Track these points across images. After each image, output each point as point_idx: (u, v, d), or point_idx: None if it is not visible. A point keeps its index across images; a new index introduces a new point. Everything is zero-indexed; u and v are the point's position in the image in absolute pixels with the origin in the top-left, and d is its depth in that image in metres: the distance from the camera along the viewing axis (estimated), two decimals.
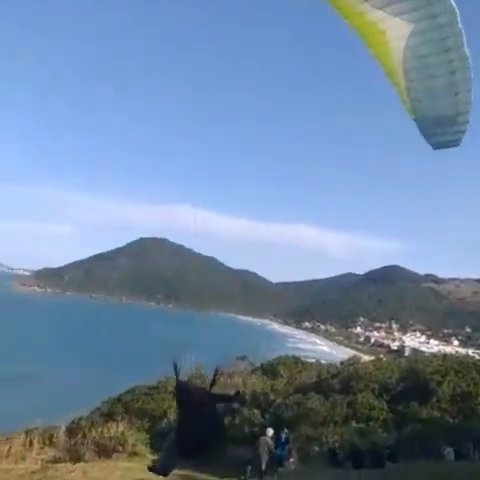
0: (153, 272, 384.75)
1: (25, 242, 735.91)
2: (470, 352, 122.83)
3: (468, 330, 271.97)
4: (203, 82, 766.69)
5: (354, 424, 28.24)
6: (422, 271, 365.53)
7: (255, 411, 31.05)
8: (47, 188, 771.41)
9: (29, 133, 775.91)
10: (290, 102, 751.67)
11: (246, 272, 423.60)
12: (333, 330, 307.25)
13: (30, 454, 28.26)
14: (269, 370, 42.51)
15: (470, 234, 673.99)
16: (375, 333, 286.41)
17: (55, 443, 30.07)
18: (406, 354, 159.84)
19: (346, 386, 31.58)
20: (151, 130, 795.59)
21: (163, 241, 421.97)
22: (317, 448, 27.14)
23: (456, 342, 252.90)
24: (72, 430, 31.07)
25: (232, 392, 8.87)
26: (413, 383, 30.52)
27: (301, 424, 28.61)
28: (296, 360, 46.29)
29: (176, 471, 25.83)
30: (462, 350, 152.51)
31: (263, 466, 23.75)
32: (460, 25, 6.24)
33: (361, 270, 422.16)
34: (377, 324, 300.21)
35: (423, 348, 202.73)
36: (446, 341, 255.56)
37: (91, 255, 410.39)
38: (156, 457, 30.33)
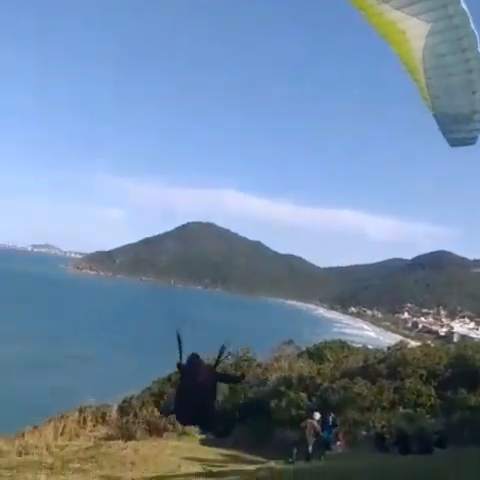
0: (200, 256, 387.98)
1: (77, 226, 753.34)
2: None
3: None
4: (248, 73, 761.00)
5: (401, 409, 28.17)
6: (471, 256, 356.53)
7: (302, 394, 31.27)
8: (97, 173, 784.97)
9: (75, 118, 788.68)
10: (326, 96, 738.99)
11: (292, 257, 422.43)
12: (380, 315, 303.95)
13: (84, 431, 29.30)
14: (315, 354, 42.64)
15: None
16: (423, 319, 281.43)
17: (107, 421, 31.06)
18: (454, 340, 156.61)
19: (393, 371, 31.41)
20: (195, 116, 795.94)
21: (210, 225, 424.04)
22: (364, 432, 27.26)
23: None
24: (124, 409, 32.01)
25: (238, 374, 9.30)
26: (462, 370, 30.08)
27: (347, 408, 28.69)
28: (342, 345, 46.25)
29: (224, 451, 26.33)
30: None
31: (310, 449, 24.05)
32: (472, 26, 6.51)
33: (408, 255, 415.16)
34: (425, 310, 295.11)
35: (472, 334, 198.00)
36: None
37: (141, 239, 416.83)
38: (205, 436, 31.13)
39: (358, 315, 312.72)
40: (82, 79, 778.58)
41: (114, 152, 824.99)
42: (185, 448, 27.46)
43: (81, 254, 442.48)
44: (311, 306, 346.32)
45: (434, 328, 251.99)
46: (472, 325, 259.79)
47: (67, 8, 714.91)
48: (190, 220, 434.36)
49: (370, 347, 49.67)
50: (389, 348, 38.85)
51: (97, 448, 25.79)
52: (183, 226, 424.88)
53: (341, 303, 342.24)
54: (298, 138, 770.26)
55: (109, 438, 28.53)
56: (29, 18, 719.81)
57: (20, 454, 24.14)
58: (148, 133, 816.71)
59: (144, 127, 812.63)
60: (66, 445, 26.61)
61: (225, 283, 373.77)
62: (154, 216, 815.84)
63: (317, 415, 24.94)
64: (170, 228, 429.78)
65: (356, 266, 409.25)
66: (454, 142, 7.54)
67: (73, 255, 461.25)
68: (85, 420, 30.16)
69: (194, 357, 9.36)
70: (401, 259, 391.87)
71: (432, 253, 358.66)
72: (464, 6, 6.49)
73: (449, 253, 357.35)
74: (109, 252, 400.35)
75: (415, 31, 6.75)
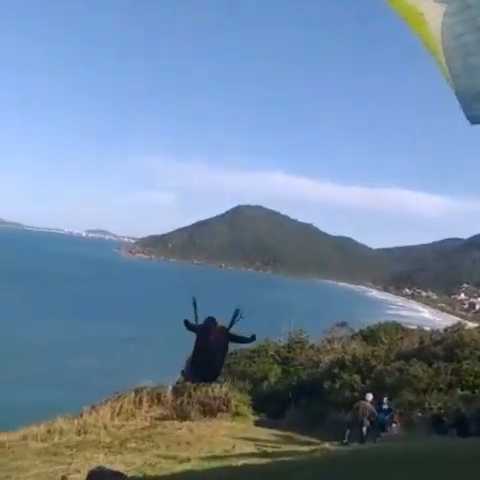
0: (251, 239, 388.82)
1: (130, 211, 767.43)
2: None
3: None
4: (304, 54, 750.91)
5: (459, 391, 27.61)
6: None
7: (356, 376, 31.04)
8: (148, 157, 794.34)
9: (135, 102, 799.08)
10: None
11: (344, 238, 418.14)
12: (435, 297, 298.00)
13: (140, 412, 29.83)
14: (369, 336, 42.13)
15: None
16: None
17: (163, 402, 31.53)
18: None
19: (450, 353, 30.75)
20: (245, 98, 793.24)
21: (260, 208, 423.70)
22: (420, 414, 26.84)
23: None
24: (178, 390, 32.40)
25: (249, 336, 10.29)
26: None
27: (403, 390, 28.32)
28: (397, 326, 45.52)
29: (277, 432, 26.43)
30: None
31: (364, 430, 23.84)
32: None
33: (465, 235, 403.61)
34: None
35: None
36: None
37: (192, 223, 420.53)
38: (258, 417, 31.32)
39: (412, 297, 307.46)
40: (128, 62, 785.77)
41: (167, 136, 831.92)
42: (239, 429, 27.71)
43: (134, 239, 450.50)
44: (363, 288, 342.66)
45: None
46: None
47: None
48: (240, 203, 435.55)
49: (426, 329, 48.68)
50: (446, 329, 38.05)
51: (153, 428, 26.33)
52: (233, 209, 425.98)
53: (394, 284, 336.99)
54: (345, 119, 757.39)
55: (164, 418, 29.02)
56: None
57: (79, 433, 24.87)
58: (200, 117, 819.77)
59: (197, 111, 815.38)
60: (123, 425, 27.25)
61: (276, 265, 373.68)
62: (205, 200, 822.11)
63: (370, 396, 24.70)
64: (221, 212, 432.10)
65: (410, 247, 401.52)
66: (474, 119, 7.65)
67: (126, 240, 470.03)
68: (141, 401, 30.67)
69: (209, 319, 10.01)
70: (457, 239, 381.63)
71: None
72: None
73: None
74: (162, 236, 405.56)
75: (432, 13, 6.98)
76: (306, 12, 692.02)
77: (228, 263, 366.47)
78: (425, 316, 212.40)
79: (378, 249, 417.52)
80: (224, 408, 29.94)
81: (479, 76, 7.16)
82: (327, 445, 22.61)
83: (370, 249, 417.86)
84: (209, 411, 29.58)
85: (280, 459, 17.52)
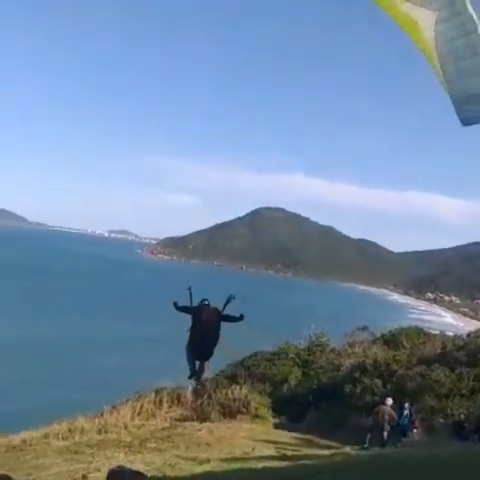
0: (271, 241, 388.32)
1: (152, 212, 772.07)
2: None
3: None
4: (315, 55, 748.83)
5: None
6: None
7: (377, 381, 30.83)
8: (170, 158, 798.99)
9: (155, 103, 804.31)
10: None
11: (365, 241, 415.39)
12: (458, 302, 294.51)
13: (160, 412, 29.96)
14: (391, 340, 41.76)
15: None
16: None
17: (182, 402, 31.64)
18: None
19: (473, 359, 30.35)
20: (263, 99, 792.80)
21: (280, 210, 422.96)
22: (441, 420, 26.55)
23: None
24: (198, 391, 32.47)
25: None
26: None
27: (425, 395, 28.04)
28: (419, 331, 45.05)
29: (298, 435, 26.36)
30: None
31: (385, 435, 23.68)
32: (471, 10, 6.99)
33: None
34: None
35: None
36: None
37: (213, 224, 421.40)
38: (278, 420, 31.24)
39: (435, 301, 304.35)
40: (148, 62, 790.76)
41: (186, 137, 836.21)
42: (259, 431, 27.68)
43: (156, 240, 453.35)
44: (385, 291, 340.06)
45: None
46: None
47: None
48: (261, 205, 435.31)
49: (448, 334, 48.15)
50: (469, 335, 37.62)
51: (173, 428, 26.43)
52: (254, 211, 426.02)
53: (416, 288, 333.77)
54: (368, 119, 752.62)
55: (184, 419, 29.11)
56: None
57: (100, 432, 25.05)
58: (219, 118, 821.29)
59: (217, 111, 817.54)
60: (143, 425, 27.39)
61: (297, 268, 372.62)
62: (226, 202, 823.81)
63: (389, 400, 24.55)
64: (242, 214, 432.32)
65: (433, 250, 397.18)
66: (465, 121, 7.94)
67: (148, 241, 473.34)
68: (161, 401, 30.80)
69: (202, 301, 11.37)
70: None
71: None
72: None
73: None
74: (183, 237, 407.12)
75: (425, 20, 7.35)
76: (336, 12, 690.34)
77: (249, 265, 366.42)
78: (448, 321, 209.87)
79: (400, 252, 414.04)
80: (244, 410, 29.93)
81: (469, 79, 7.43)
82: (347, 449, 22.48)
83: (392, 252, 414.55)
84: (229, 413, 29.61)
85: (300, 462, 17.46)
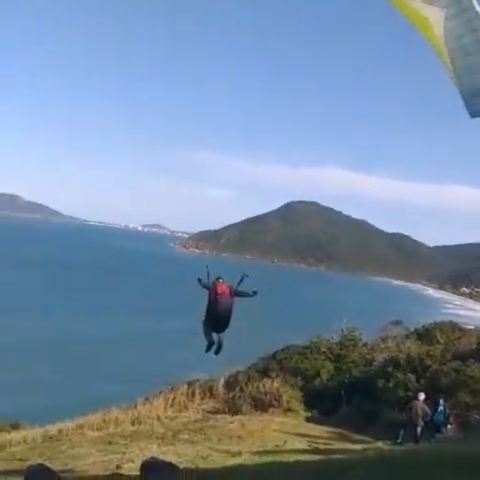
0: (304, 235, 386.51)
1: (184, 206, 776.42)
2: None
3: None
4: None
5: None
6: None
7: (410, 375, 30.48)
8: (202, 152, 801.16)
9: (186, 100, 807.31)
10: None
11: (399, 235, 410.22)
12: None
13: (192, 404, 30.22)
14: (424, 335, 41.23)
15: None
16: None
17: (214, 395, 31.85)
18: None
19: None
20: (294, 91, 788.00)
21: (312, 204, 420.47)
22: (477, 416, 26.15)
23: None
24: (230, 383, 32.64)
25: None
26: None
27: (459, 391, 27.61)
28: (454, 326, 44.38)
29: (329, 429, 26.30)
30: None
31: (418, 431, 23.43)
32: (477, 9, 7.24)
33: None
34: None
35: None
36: None
37: (245, 218, 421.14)
38: (310, 414, 31.19)
39: (470, 296, 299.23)
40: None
41: (219, 131, 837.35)
42: (290, 424, 27.68)
43: (188, 233, 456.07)
44: (419, 286, 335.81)
45: None
46: None
47: None
48: (293, 199, 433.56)
49: None
50: None
51: (205, 421, 26.63)
52: (286, 205, 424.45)
53: (451, 283, 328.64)
54: (402, 113, 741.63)
55: (216, 411, 29.30)
56: None
57: (133, 424, 25.43)
58: (254, 113, 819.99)
59: (252, 106, 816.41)
60: (176, 416, 27.68)
61: (329, 262, 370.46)
62: (258, 196, 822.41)
63: (422, 396, 24.26)
64: (274, 207, 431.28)
65: (467, 244, 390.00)
66: (475, 113, 8.16)
67: (180, 234, 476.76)
68: (193, 393, 31.04)
69: (218, 278, 12.22)
70: None
71: None
72: None
73: None
74: (215, 231, 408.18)
75: (435, 17, 7.68)
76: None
77: (280, 259, 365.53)
78: None
79: (436, 247, 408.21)
80: (275, 403, 29.97)
81: (477, 74, 7.72)
82: (380, 444, 22.33)
83: (427, 246, 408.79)
84: (261, 406, 29.69)
85: (332, 457, 17.42)
